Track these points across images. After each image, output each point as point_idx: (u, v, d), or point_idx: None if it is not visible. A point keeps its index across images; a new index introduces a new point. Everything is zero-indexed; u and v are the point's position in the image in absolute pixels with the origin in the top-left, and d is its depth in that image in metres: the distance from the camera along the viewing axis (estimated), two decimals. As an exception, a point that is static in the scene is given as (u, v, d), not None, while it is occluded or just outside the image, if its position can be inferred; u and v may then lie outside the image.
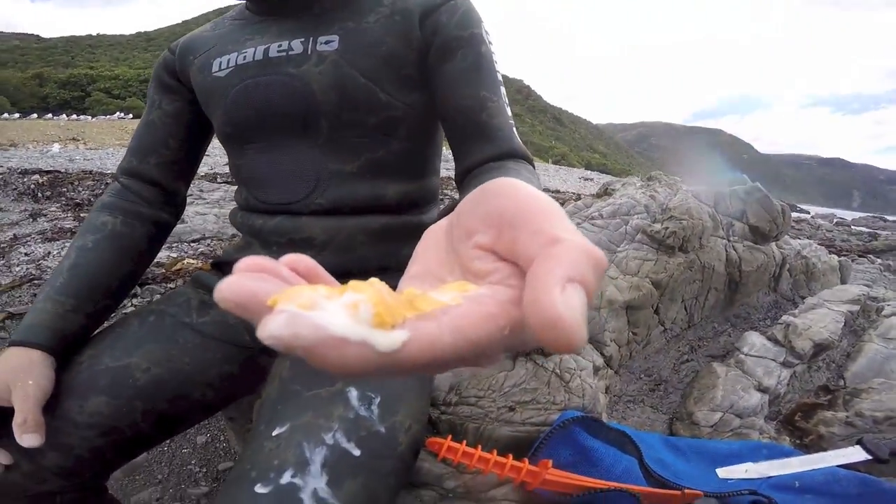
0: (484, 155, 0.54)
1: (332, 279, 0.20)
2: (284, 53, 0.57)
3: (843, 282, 2.82)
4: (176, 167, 0.68)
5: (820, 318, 1.57)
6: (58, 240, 3.44)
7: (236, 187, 0.68)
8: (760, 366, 1.36)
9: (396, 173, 0.60)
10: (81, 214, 4.03)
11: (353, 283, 0.17)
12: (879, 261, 4.88)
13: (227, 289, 0.16)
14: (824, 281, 2.49)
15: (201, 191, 4.49)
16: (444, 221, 0.24)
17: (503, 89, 0.58)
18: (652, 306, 1.40)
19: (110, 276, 0.60)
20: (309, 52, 0.56)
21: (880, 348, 1.53)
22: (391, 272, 0.59)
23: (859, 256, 5.16)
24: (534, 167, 0.55)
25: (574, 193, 10.86)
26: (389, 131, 0.59)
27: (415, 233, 0.61)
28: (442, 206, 0.68)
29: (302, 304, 0.15)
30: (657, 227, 1.36)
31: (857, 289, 2.20)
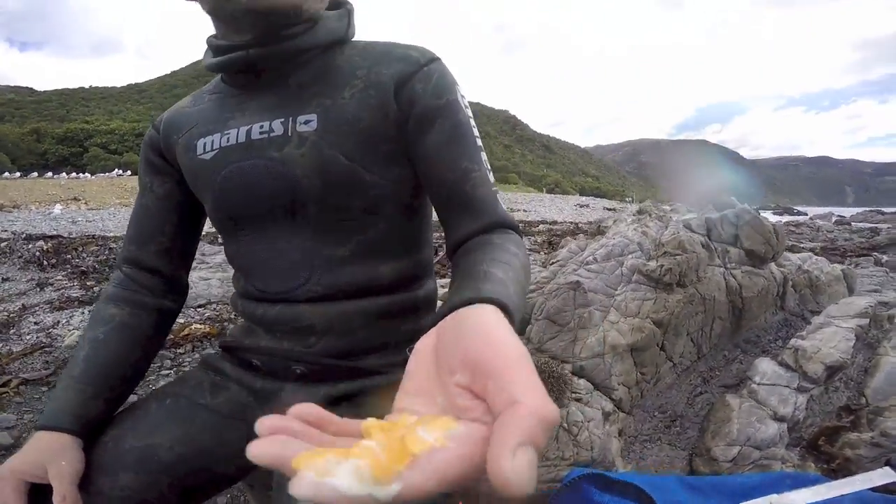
0: (470, 229, 0.55)
1: (337, 419, 0.26)
2: (266, 135, 0.57)
3: (850, 290, 2.80)
4: (174, 253, 0.70)
5: (829, 338, 1.56)
6: (66, 309, 3.48)
7: (234, 273, 0.69)
8: (774, 394, 1.35)
9: (388, 252, 0.61)
10: (87, 283, 4.08)
11: (355, 447, 0.22)
12: (886, 257, 4.85)
13: (258, 453, 0.22)
14: (831, 292, 2.48)
15: (203, 254, 4.53)
16: (431, 340, 0.30)
17: (483, 154, 0.59)
18: (657, 344, 1.41)
19: (123, 366, 0.63)
20: (290, 133, 0.57)
21: (896, 362, 1.51)
22: (391, 348, 0.61)
23: (863, 256, 5.16)
24: (520, 235, 0.56)
25: (571, 223, 10.93)
26: (377, 210, 0.59)
27: (411, 309, 0.62)
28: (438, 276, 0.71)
29: (319, 471, 0.21)
30: (652, 265, 1.39)
31: (864, 300, 2.19)
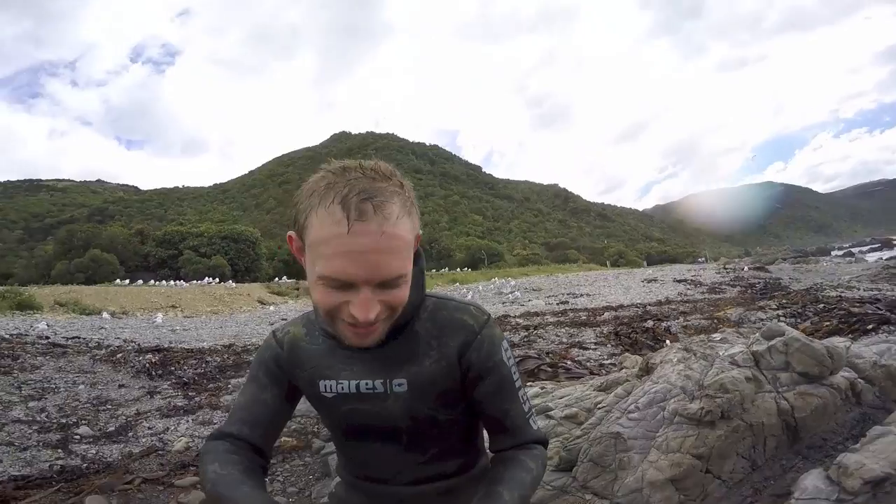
0: (506, 445, 0.84)
1: None
2: (371, 391, 0.82)
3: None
4: (275, 438, 0.95)
5: (882, 449, 1.51)
6: (173, 416, 3.97)
7: (336, 454, 0.95)
8: (810, 512, 1.31)
9: (453, 455, 0.89)
10: (189, 393, 4.67)
11: None
12: None
13: None
14: (918, 380, 2.27)
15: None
16: None
17: (521, 391, 0.85)
18: (701, 470, 1.48)
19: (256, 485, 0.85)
20: (388, 391, 0.81)
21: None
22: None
23: None
24: (545, 446, 0.86)
25: (639, 306, 10.44)
26: (446, 434, 0.86)
27: (470, 482, 0.89)
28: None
29: None
30: (693, 407, 1.48)
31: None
